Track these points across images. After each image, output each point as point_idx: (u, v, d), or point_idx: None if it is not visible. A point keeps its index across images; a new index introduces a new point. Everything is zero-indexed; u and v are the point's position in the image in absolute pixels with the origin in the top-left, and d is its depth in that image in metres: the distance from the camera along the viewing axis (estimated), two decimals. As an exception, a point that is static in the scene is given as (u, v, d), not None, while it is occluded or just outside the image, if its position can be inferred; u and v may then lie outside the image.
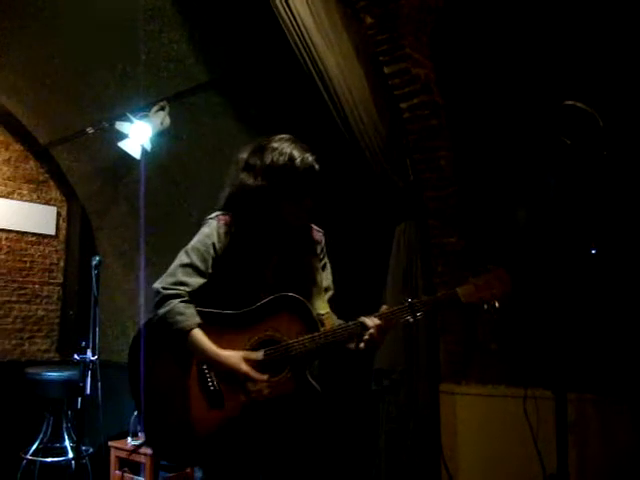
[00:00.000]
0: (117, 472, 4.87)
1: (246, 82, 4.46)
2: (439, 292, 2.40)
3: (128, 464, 4.84)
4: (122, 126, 4.91)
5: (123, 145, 4.96)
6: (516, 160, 3.30)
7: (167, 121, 4.78)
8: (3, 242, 6.34)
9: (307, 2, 3.18)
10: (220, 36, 4.34)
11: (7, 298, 6.35)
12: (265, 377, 2.12)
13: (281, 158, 2.23)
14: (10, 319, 6.37)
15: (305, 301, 2.20)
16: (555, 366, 2.52)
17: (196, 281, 2.22)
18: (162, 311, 2.17)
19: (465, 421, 3.45)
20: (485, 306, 2.16)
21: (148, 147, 4.92)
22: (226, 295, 2.25)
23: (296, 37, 3.19)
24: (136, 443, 4.79)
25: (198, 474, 4.81)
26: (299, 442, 2.30)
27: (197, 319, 2.17)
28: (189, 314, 2.16)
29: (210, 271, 2.24)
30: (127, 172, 5.83)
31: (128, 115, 4.87)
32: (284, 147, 2.26)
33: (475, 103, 3.44)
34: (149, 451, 4.66)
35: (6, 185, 6.40)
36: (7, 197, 6.38)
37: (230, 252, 2.27)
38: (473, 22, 3.35)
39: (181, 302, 2.17)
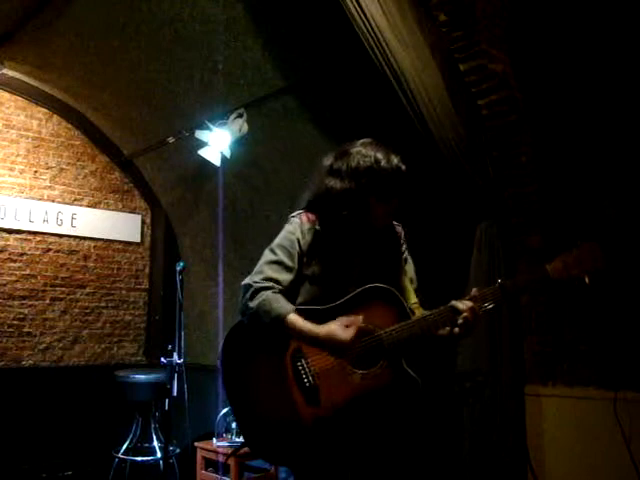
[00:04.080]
0: (204, 472, 4.97)
1: (322, 86, 4.48)
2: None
3: (213, 464, 4.93)
4: (202, 134, 5.03)
5: (203, 153, 5.09)
6: (601, 154, 3.19)
7: (245, 128, 4.86)
8: (92, 250, 6.61)
9: (379, 2, 3.17)
10: (294, 41, 4.38)
11: (96, 304, 6.61)
12: (354, 332, 2.08)
13: (367, 160, 2.23)
14: (99, 324, 6.63)
15: (395, 290, 2.20)
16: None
17: (285, 278, 2.24)
18: (255, 303, 2.18)
19: (551, 423, 3.35)
20: (576, 282, 2.08)
21: (227, 154, 5.03)
22: (312, 292, 2.26)
23: (369, 38, 3.18)
24: (227, 444, 4.87)
25: (282, 475, 4.86)
26: (397, 438, 2.27)
27: (292, 306, 2.19)
28: (284, 302, 2.18)
29: (296, 267, 2.26)
30: (207, 179, 5.97)
31: (207, 123, 4.98)
32: (368, 150, 2.26)
33: (555, 96, 3.34)
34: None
35: (93, 196, 6.67)
36: (95, 207, 6.65)
37: (314, 250, 2.29)
38: (550, 13, 3.26)
39: (274, 293, 2.19)
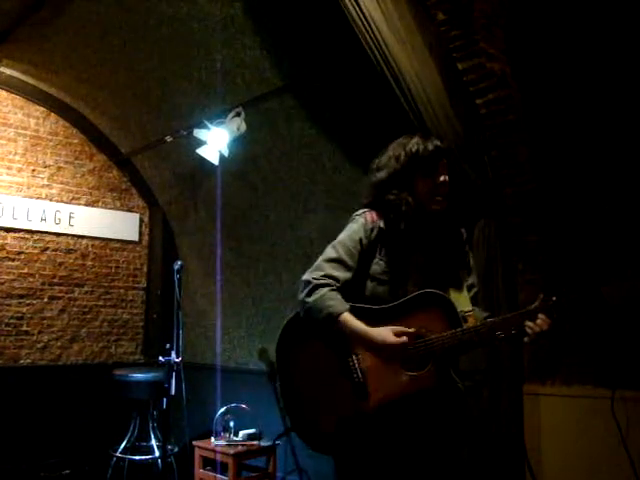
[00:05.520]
0: (202, 471, 4.97)
1: (320, 85, 4.48)
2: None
3: (211, 463, 4.94)
4: (200, 133, 5.02)
5: (201, 152, 5.08)
6: (599, 152, 3.19)
7: (243, 127, 4.86)
8: (90, 249, 6.61)
9: (378, 1, 3.17)
10: (292, 40, 4.38)
11: (94, 303, 6.61)
12: (406, 340, 2.15)
13: (405, 144, 2.37)
14: (97, 323, 6.63)
15: (449, 298, 2.24)
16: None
17: (343, 275, 2.28)
18: (313, 298, 2.23)
19: (550, 422, 3.35)
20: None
21: (225, 153, 5.02)
22: (369, 290, 2.32)
23: (368, 37, 3.18)
24: (225, 443, 4.87)
25: (280, 474, 4.86)
26: (435, 441, 2.31)
27: (347, 305, 2.23)
28: (340, 300, 2.22)
29: (356, 266, 2.30)
30: (205, 178, 5.97)
31: (205, 122, 4.98)
32: (404, 139, 2.40)
33: (553, 95, 3.34)
34: (231, 451, 4.76)
35: (91, 194, 6.67)
36: (92, 206, 6.65)
37: (377, 248, 2.33)
38: (548, 11, 3.25)
39: (331, 290, 2.23)
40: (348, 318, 2.20)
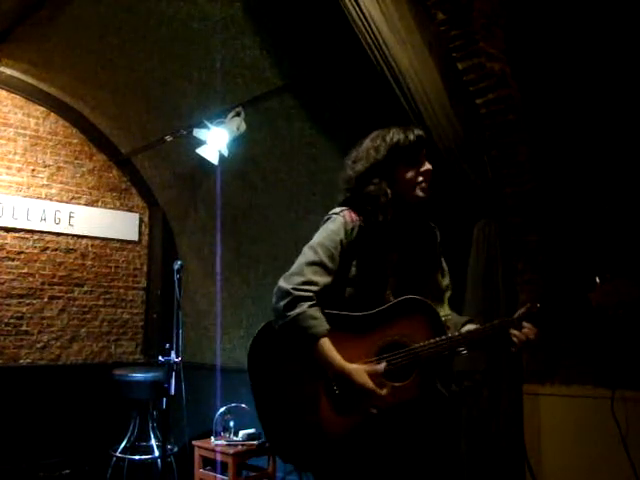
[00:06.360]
0: (201, 471, 4.97)
1: (320, 84, 4.48)
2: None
3: (211, 463, 4.94)
4: (200, 133, 5.03)
5: (201, 151, 5.08)
6: (599, 152, 3.19)
7: (243, 126, 4.86)
8: (90, 249, 6.61)
9: (377, 1, 3.17)
10: (292, 40, 4.38)
11: (94, 302, 6.61)
12: (385, 392, 2.05)
13: (386, 136, 2.28)
14: (97, 322, 6.63)
15: (432, 304, 2.15)
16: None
17: (324, 280, 2.14)
18: (293, 313, 2.08)
19: (550, 423, 3.35)
20: (610, 312, 2.08)
21: (225, 152, 5.02)
22: (348, 294, 2.22)
23: (368, 37, 3.18)
24: (225, 443, 4.87)
25: (280, 474, 4.86)
26: (421, 450, 2.23)
27: (327, 325, 2.10)
28: (320, 319, 2.10)
29: (336, 269, 2.18)
30: (205, 178, 5.97)
31: (205, 122, 4.98)
32: (382, 132, 2.32)
33: (553, 95, 3.34)
34: (231, 451, 4.75)
35: (91, 194, 6.67)
36: (92, 205, 6.65)
37: (356, 249, 2.22)
38: (548, 11, 3.25)
39: (311, 306, 2.09)
40: (326, 346, 2.07)
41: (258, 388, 2.28)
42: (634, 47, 3.01)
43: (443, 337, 2.10)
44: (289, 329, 2.11)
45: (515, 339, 2.07)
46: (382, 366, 2.09)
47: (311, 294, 2.11)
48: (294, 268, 2.17)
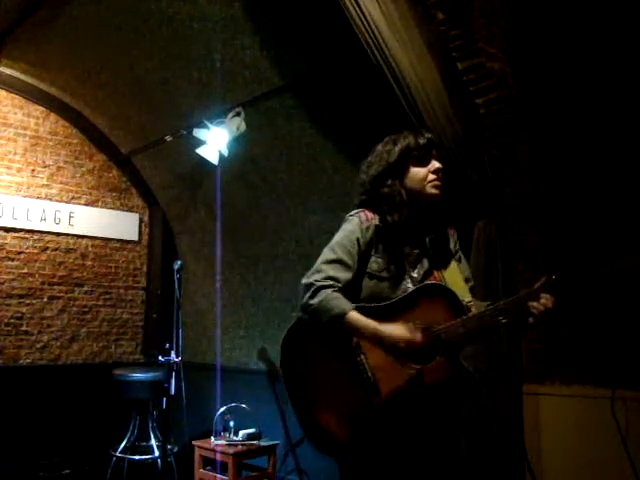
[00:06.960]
0: (202, 471, 4.97)
1: (320, 84, 4.48)
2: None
3: (211, 463, 4.94)
4: (199, 133, 5.03)
5: (201, 151, 5.08)
6: (599, 152, 3.19)
7: (243, 126, 4.86)
8: (89, 249, 6.61)
9: (378, 1, 3.17)
10: (292, 39, 4.38)
11: (94, 302, 6.61)
12: (421, 337, 2.13)
13: (397, 140, 2.39)
14: (97, 322, 6.63)
15: (450, 288, 2.23)
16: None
17: (344, 276, 2.26)
18: (317, 300, 2.20)
19: (550, 423, 3.35)
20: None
21: (225, 152, 5.02)
22: (369, 289, 2.30)
23: (368, 37, 3.18)
24: (225, 443, 4.87)
25: (280, 474, 4.85)
26: (449, 433, 2.30)
27: (351, 304, 2.21)
28: (343, 300, 2.20)
29: (356, 266, 2.29)
30: (205, 177, 5.97)
31: (205, 122, 4.98)
32: (393, 137, 2.42)
33: (553, 95, 3.34)
34: (231, 451, 4.76)
35: (91, 194, 6.67)
36: (92, 205, 6.65)
37: (374, 246, 2.32)
38: (548, 11, 3.26)
39: (334, 291, 2.21)
40: (356, 316, 2.18)
41: (294, 388, 2.37)
42: (634, 47, 3.01)
43: (465, 317, 2.17)
44: (317, 316, 2.21)
45: (534, 310, 2.12)
46: (419, 323, 2.17)
47: (333, 284, 2.23)
48: (314, 267, 2.30)
